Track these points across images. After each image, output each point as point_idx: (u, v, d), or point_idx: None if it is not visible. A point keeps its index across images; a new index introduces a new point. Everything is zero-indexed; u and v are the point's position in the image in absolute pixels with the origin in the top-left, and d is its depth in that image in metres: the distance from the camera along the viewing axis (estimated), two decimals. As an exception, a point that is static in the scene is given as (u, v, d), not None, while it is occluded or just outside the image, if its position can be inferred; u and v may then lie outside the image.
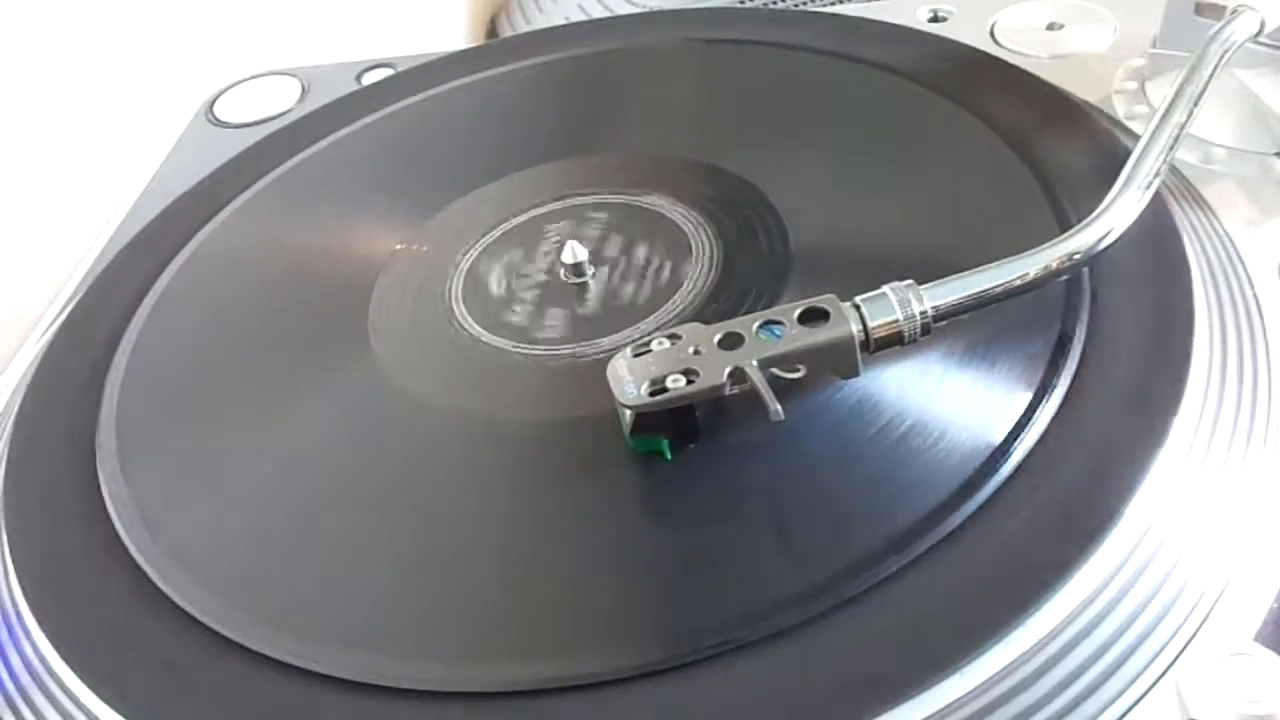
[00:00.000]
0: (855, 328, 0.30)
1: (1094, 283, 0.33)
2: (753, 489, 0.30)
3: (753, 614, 0.27)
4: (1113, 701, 0.26)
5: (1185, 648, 0.26)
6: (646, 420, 0.30)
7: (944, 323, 0.31)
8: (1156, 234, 0.34)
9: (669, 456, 0.31)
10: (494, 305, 0.38)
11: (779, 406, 0.28)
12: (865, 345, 0.30)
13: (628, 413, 0.30)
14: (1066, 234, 0.32)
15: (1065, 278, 0.32)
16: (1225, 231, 0.37)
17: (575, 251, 0.38)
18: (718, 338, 0.30)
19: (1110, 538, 0.27)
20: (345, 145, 0.48)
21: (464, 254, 0.40)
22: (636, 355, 0.30)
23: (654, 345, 0.30)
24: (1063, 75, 0.44)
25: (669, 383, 0.29)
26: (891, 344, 0.30)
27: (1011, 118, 0.40)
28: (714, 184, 0.41)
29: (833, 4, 0.67)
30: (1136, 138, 0.35)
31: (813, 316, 0.30)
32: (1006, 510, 0.28)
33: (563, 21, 0.75)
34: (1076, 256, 0.31)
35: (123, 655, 0.30)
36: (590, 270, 0.38)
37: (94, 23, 0.57)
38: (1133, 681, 0.26)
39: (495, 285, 0.39)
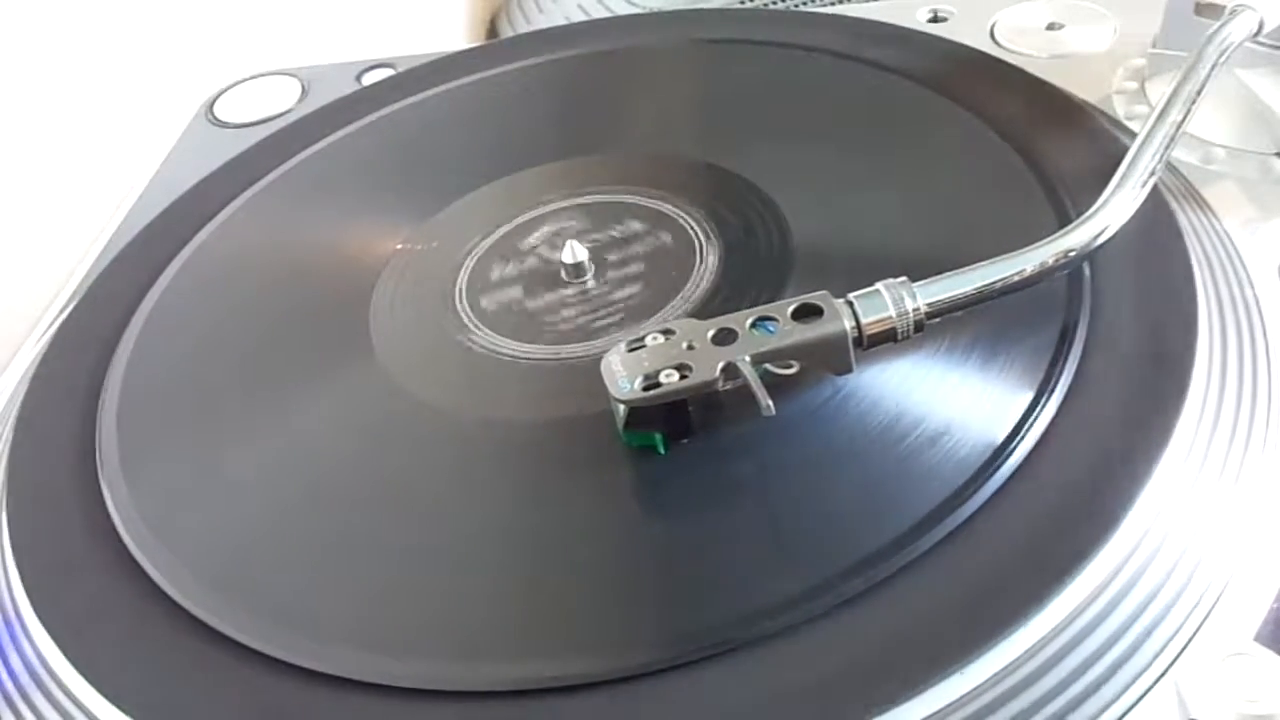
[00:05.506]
0: (848, 324, 0.30)
1: (1095, 282, 0.33)
2: (749, 486, 0.30)
3: (753, 614, 0.27)
4: (1113, 701, 0.26)
5: (1185, 648, 0.26)
6: (640, 415, 0.30)
7: (938, 319, 0.31)
8: (1157, 234, 0.34)
9: (663, 451, 0.31)
10: (494, 305, 0.38)
11: (770, 402, 0.28)
12: (858, 342, 0.30)
13: (621, 407, 0.30)
14: (1061, 231, 0.32)
15: (1061, 275, 0.32)
16: (1225, 231, 0.37)
17: (575, 251, 0.38)
18: (711, 333, 0.30)
19: (1111, 538, 0.27)
20: (345, 145, 0.48)
21: (464, 254, 0.40)
22: (630, 350, 0.30)
23: (648, 340, 0.31)
24: (1063, 75, 0.43)
25: (662, 378, 0.29)
26: (885, 340, 0.30)
27: (1011, 117, 0.40)
28: (715, 183, 0.41)
29: (833, 4, 0.67)
30: (1136, 137, 0.35)
31: (806, 313, 0.30)
32: (1008, 510, 0.28)
33: (563, 21, 0.75)
34: (1071, 254, 0.31)
35: (123, 655, 0.30)
36: (590, 270, 0.38)
37: (94, 23, 0.57)
38: (1133, 681, 0.26)
39: (495, 285, 0.39)
